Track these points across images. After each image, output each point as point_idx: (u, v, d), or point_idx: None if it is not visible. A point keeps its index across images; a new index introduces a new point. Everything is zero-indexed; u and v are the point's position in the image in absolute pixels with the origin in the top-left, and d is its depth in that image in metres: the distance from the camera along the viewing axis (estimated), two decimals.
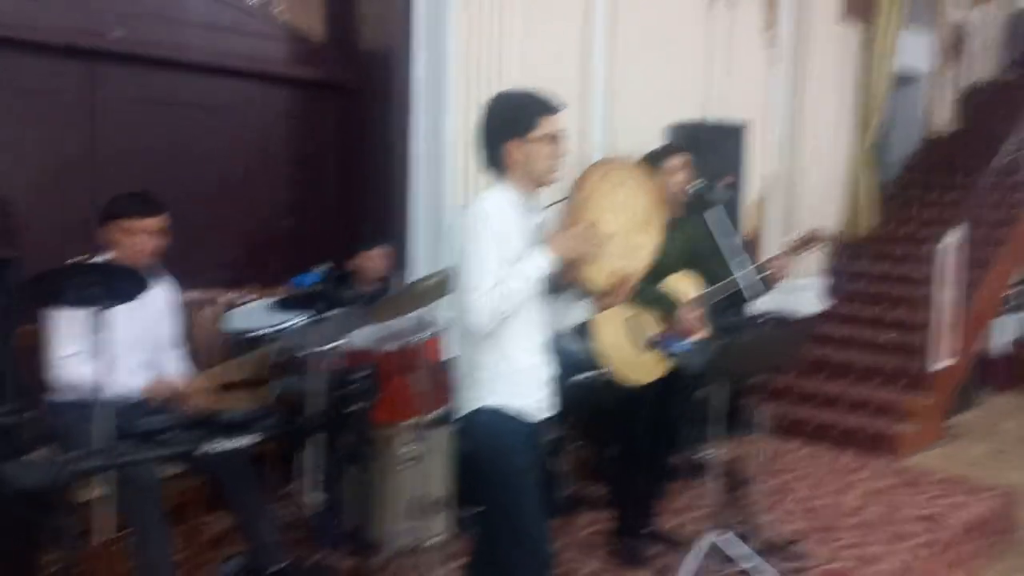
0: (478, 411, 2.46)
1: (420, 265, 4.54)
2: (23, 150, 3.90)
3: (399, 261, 4.48)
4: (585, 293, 2.61)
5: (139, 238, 3.07)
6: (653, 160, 3.68)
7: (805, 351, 6.81)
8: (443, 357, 3.54)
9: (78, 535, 3.37)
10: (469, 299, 2.34)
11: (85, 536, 2.88)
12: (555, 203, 2.59)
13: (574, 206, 2.48)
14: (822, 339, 7.03)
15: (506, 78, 4.56)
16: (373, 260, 4.27)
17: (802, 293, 7.01)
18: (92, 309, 2.59)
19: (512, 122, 2.45)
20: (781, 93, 6.96)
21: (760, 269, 3.67)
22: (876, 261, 7.84)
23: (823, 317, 7.28)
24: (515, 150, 2.44)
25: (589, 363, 4.15)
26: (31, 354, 3.11)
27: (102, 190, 3.65)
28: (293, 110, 4.74)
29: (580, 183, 2.51)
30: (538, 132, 2.45)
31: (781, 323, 6.41)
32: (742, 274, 3.52)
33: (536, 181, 2.49)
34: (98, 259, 3.06)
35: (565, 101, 2.57)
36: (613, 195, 2.55)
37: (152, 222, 3.09)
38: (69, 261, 2.89)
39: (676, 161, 3.65)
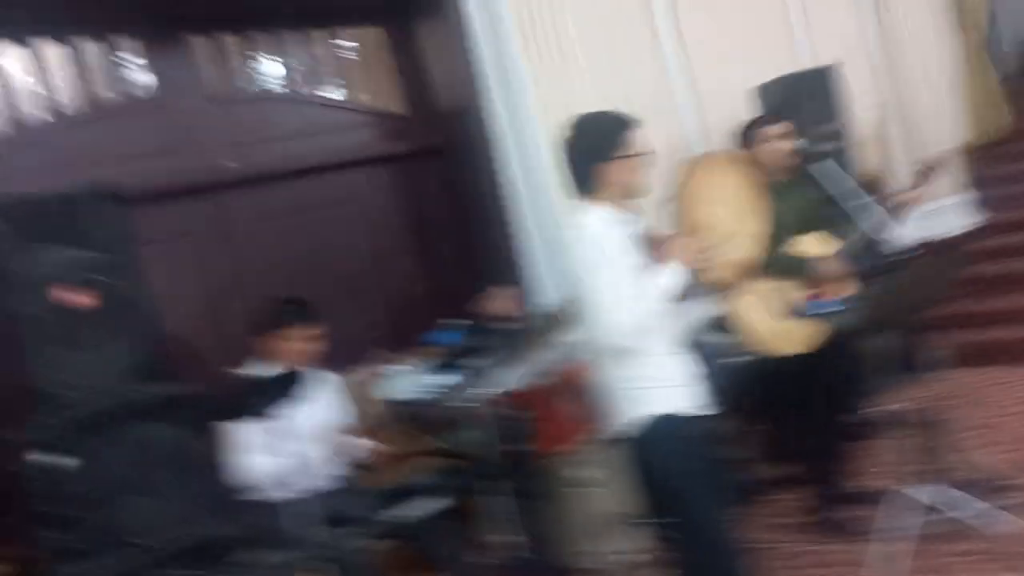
0: (648, 421, 2.50)
1: (548, 295, 4.64)
2: (176, 290, 4.23)
3: (528, 296, 4.60)
4: (711, 289, 2.64)
5: (300, 345, 3.31)
6: (746, 134, 3.65)
7: (964, 271, 6.45)
8: (593, 378, 3.61)
9: None
10: (610, 317, 2.38)
11: None
12: (663, 203, 2.63)
13: (684, 204, 2.52)
14: (978, 254, 6.63)
15: (584, 97, 4.62)
16: (505, 302, 4.41)
17: (945, 214, 6.67)
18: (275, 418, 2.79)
19: (597, 146, 2.51)
20: (867, 18, 6.68)
21: (887, 205, 3.58)
22: (1017, 160, 7.36)
23: (974, 233, 6.89)
24: (604, 172, 2.50)
25: (736, 351, 4.12)
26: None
27: (251, 306, 3.96)
28: (397, 183, 4.99)
29: (685, 180, 2.54)
30: (623, 151, 2.51)
31: (930, 251, 6.11)
32: (869, 217, 3.43)
33: (628, 196, 2.55)
34: (258, 369, 3.31)
35: (646, 108, 2.61)
36: (722, 188, 2.58)
37: (311, 330, 3.33)
38: (229, 372, 3.12)
39: (771, 130, 3.60)
